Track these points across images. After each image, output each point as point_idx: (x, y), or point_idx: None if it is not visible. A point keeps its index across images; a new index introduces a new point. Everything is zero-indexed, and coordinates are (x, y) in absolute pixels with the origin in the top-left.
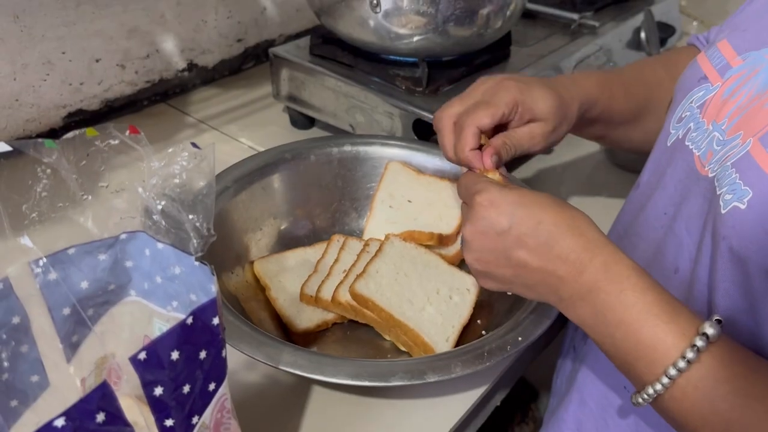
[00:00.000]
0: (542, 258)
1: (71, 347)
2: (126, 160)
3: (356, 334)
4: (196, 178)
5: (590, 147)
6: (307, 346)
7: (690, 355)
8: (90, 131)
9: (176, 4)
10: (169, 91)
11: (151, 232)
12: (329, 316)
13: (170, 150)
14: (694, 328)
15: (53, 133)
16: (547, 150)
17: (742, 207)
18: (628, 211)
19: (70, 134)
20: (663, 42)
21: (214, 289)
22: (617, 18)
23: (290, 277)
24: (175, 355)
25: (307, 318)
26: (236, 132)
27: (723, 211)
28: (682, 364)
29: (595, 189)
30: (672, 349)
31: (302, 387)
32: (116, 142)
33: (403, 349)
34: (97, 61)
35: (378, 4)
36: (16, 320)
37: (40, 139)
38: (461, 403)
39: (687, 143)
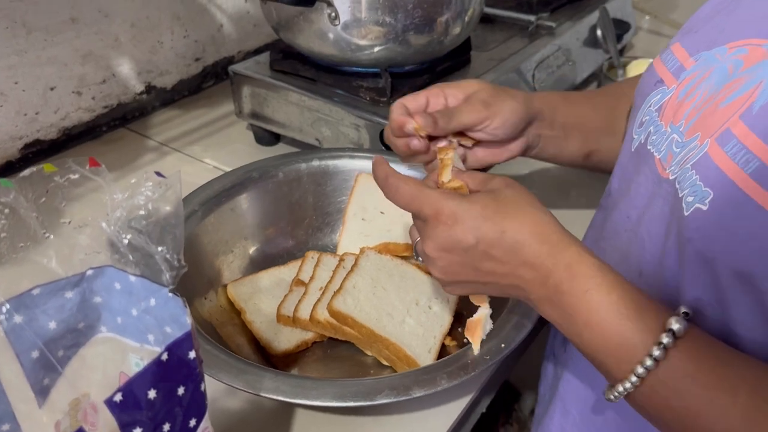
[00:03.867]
0: (509, 266)
1: (42, 391)
2: (87, 193)
3: (337, 352)
4: (162, 207)
5: None
6: (288, 368)
7: (657, 353)
8: (48, 167)
9: (130, 27)
10: (128, 115)
11: (119, 265)
12: (308, 336)
13: (133, 180)
14: (661, 324)
15: (10, 166)
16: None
17: (704, 208)
18: (599, 217)
19: (26, 171)
20: (619, 38)
21: (188, 321)
22: (573, 17)
23: (265, 299)
24: (152, 393)
25: (285, 339)
26: (200, 153)
27: (686, 214)
28: (649, 362)
29: (564, 191)
30: (639, 347)
31: (286, 410)
32: (76, 176)
33: (385, 363)
34: (51, 89)
35: (336, 16)
36: None
37: None
38: (448, 414)
39: (649, 147)
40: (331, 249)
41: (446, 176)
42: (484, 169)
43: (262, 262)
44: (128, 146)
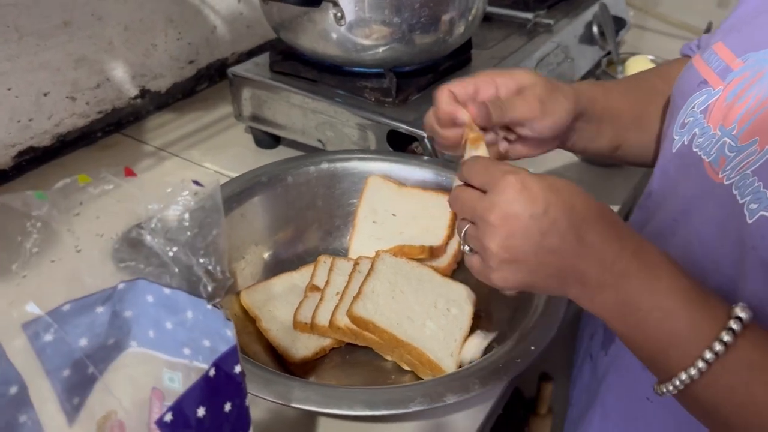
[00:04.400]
0: (574, 244)
1: (73, 409)
2: (122, 204)
3: (355, 357)
4: (201, 217)
5: None
6: (306, 375)
7: (726, 338)
8: (82, 178)
9: (123, 30)
10: (123, 120)
11: (153, 277)
12: (326, 342)
13: (169, 190)
14: (726, 312)
15: (3, 175)
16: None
17: None
18: (639, 217)
19: (60, 183)
20: (617, 34)
21: (232, 334)
22: (570, 14)
23: (280, 305)
24: (201, 411)
25: (303, 346)
26: (199, 157)
27: (749, 221)
28: (719, 347)
29: None
30: (707, 332)
31: (308, 419)
32: (111, 187)
33: (406, 368)
34: (45, 94)
35: (342, 16)
36: (13, 390)
37: (28, 192)
38: (472, 418)
39: (695, 149)
40: (342, 253)
41: (482, 151)
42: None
43: (274, 268)
44: (124, 152)
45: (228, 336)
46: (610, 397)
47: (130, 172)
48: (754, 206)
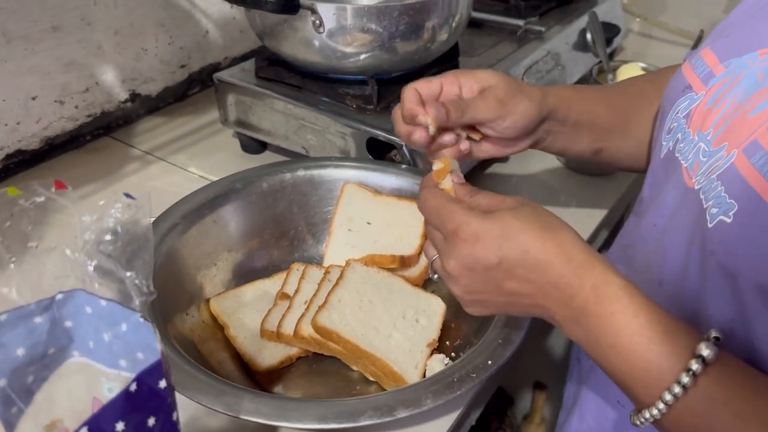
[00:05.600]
0: (533, 286)
1: (12, 418)
2: (56, 216)
3: (322, 367)
4: (132, 230)
5: (544, 153)
6: (272, 384)
7: (685, 379)
8: (11, 190)
9: (114, 34)
10: (112, 124)
11: (90, 289)
12: (293, 351)
13: (102, 202)
14: (690, 349)
15: None
16: (504, 158)
17: (728, 221)
18: (631, 223)
19: None
20: (609, 42)
21: (158, 347)
22: (562, 21)
23: (250, 313)
24: (120, 426)
25: (269, 355)
26: (185, 161)
27: (709, 225)
28: (677, 389)
29: (552, 194)
30: (667, 372)
31: (269, 429)
32: (42, 199)
33: (371, 378)
34: (33, 98)
35: (321, 24)
36: None
37: None
38: (436, 431)
39: (677, 155)
40: (318, 260)
41: (446, 184)
42: (486, 162)
43: (246, 275)
44: (112, 155)
45: (156, 349)
46: (588, 400)
47: (60, 185)
48: (714, 210)
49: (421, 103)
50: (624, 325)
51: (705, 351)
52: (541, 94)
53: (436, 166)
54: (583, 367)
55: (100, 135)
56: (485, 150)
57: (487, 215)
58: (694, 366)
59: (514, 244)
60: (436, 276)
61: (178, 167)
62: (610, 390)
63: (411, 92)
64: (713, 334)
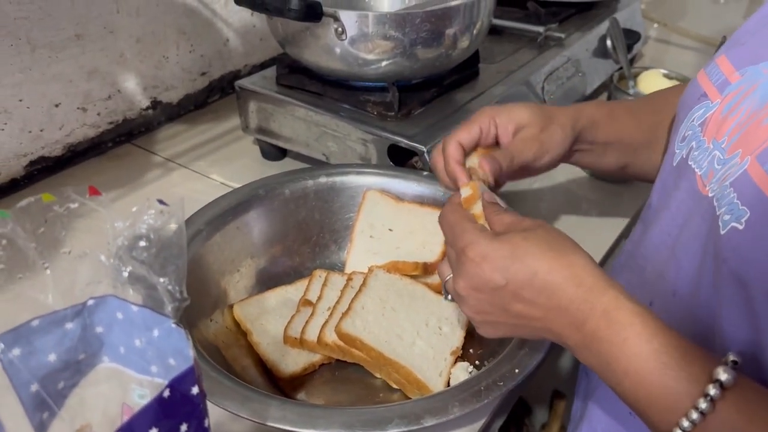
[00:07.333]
0: (541, 309)
1: (41, 424)
2: (88, 222)
3: (345, 374)
4: (165, 237)
5: None
6: (295, 391)
7: (703, 405)
8: (46, 197)
9: (136, 42)
10: (134, 131)
11: (121, 295)
12: (316, 358)
13: (135, 208)
14: (707, 373)
15: (15, 184)
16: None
17: (740, 227)
18: (638, 230)
19: (24, 202)
20: (630, 48)
21: (191, 354)
22: (582, 28)
23: (272, 319)
24: None
25: (293, 361)
26: (206, 168)
27: (722, 233)
28: (695, 415)
29: (575, 202)
30: (684, 398)
31: None
32: (75, 205)
33: (395, 386)
34: (56, 105)
35: (343, 31)
36: None
37: None
38: None
39: (690, 163)
40: (339, 267)
41: (476, 210)
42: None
43: (268, 281)
44: (134, 162)
45: (188, 355)
46: (597, 411)
47: (94, 191)
48: (727, 217)
49: (463, 155)
50: (637, 352)
51: (723, 375)
52: (572, 121)
53: (465, 192)
54: (592, 379)
55: (121, 142)
56: (518, 176)
57: (498, 236)
58: (712, 391)
59: (522, 266)
60: (449, 297)
61: (199, 174)
62: (620, 403)
63: (454, 147)
64: (731, 357)
